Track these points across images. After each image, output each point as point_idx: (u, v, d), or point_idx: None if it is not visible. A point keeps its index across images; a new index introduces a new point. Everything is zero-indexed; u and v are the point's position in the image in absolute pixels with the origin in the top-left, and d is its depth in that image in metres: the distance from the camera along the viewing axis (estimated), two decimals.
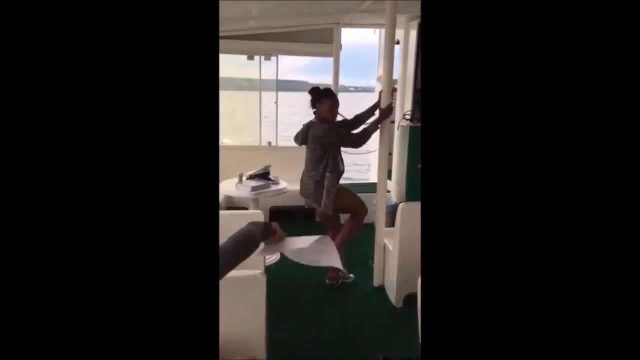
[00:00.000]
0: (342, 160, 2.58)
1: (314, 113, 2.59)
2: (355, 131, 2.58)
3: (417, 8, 3.10)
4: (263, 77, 4.00)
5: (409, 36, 3.44)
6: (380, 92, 2.52)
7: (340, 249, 2.53)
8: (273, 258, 2.87)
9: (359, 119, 2.69)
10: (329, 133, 2.46)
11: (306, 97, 2.61)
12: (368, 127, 2.55)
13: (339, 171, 2.53)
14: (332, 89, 3.26)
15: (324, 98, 2.55)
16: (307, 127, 2.58)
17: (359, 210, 2.58)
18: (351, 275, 2.61)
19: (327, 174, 2.48)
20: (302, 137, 2.60)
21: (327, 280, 2.58)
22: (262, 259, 1.99)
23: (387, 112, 2.48)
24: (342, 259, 2.51)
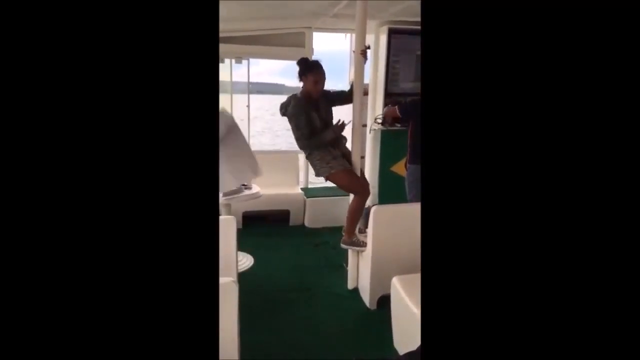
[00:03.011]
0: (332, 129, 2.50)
1: (302, 86, 2.55)
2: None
3: (387, 13, 3.16)
4: (236, 79, 3.96)
5: (379, 41, 3.50)
6: (352, 85, 2.48)
7: (349, 231, 2.50)
8: (246, 264, 2.84)
9: (339, 96, 2.65)
10: (293, 110, 2.45)
11: (282, 100, 2.59)
12: (323, 134, 2.50)
13: (318, 140, 2.47)
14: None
15: (309, 71, 2.48)
16: (290, 99, 2.55)
17: (358, 191, 2.50)
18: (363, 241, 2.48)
19: (306, 142, 2.46)
20: (284, 109, 2.57)
21: (341, 244, 2.54)
22: (235, 265, 1.96)
23: (340, 128, 2.51)
24: (351, 235, 2.49)
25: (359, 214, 2.52)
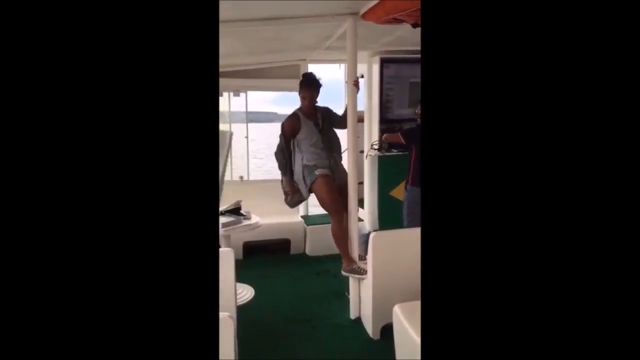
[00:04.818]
0: (315, 153, 2.55)
1: None
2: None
3: (378, 44, 3.26)
4: (233, 109, 4.04)
5: (372, 70, 3.59)
6: (346, 108, 2.53)
7: (346, 257, 2.48)
8: (247, 296, 2.80)
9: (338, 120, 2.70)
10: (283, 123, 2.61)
11: (276, 129, 2.65)
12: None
13: (299, 164, 2.56)
14: None
15: (301, 87, 2.59)
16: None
17: (330, 210, 2.50)
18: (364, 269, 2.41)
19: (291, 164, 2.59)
20: None
21: (342, 271, 2.51)
22: (234, 299, 1.94)
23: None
24: (350, 262, 2.47)
25: (343, 235, 2.50)
